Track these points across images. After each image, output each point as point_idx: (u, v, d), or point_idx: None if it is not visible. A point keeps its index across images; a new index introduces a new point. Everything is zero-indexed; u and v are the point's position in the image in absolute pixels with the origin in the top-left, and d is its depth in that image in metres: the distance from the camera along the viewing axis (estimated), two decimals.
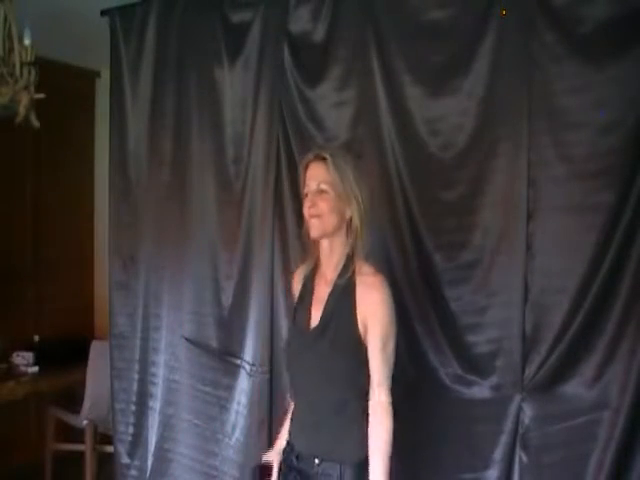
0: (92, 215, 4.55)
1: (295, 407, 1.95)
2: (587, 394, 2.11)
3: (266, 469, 1.89)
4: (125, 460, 3.31)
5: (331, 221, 1.80)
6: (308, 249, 1.96)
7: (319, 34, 2.62)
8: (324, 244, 1.86)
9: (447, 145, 2.34)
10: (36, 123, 2.49)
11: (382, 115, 2.45)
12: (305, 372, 1.85)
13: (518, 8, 2.19)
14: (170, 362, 3.11)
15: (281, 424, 2.06)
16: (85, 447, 3.62)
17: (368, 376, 1.77)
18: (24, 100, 2.38)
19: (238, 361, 2.86)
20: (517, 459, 2.23)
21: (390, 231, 2.42)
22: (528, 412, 2.20)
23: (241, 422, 2.84)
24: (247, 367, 2.81)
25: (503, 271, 2.24)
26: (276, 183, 2.72)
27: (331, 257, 1.85)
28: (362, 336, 1.76)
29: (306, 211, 1.85)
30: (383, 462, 1.73)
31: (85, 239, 4.53)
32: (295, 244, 2.67)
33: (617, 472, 2.05)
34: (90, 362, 3.60)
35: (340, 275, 1.80)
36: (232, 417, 2.88)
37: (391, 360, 1.77)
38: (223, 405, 2.91)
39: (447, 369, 2.32)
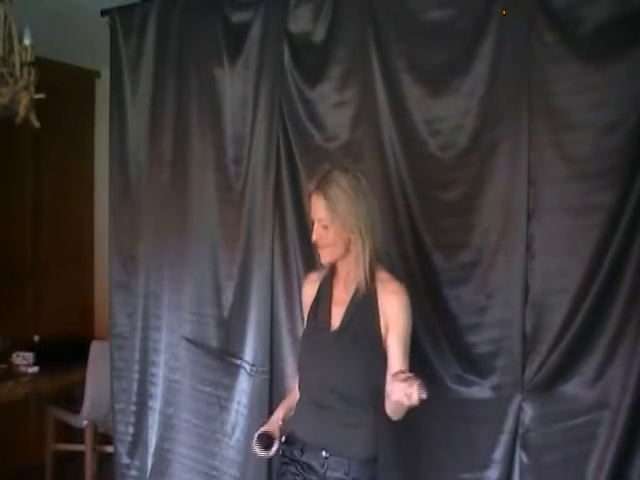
0: (92, 215, 4.55)
1: (304, 401, 1.93)
2: (587, 394, 2.12)
3: (268, 438, 1.86)
4: (125, 460, 3.31)
5: (337, 249, 1.84)
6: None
7: (319, 34, 2.62)
8: (339, 260, 1.89)
9: (447, 145, 2.34)
10: (36, 123, 2.49)
11: (382, 115, 2.45)
12: (322, 368, 1.85)
13: (518, 8, 2.20)
14: (170, 362, 3.11)
15: (280, 404, 2.04)
16: (85, 447, 3.62)
17: (384, 377, 1.80)
18: (24, 100, 2.37)
19: (238, 361, 2.86)
20: (517, 459, 2.23)
21: (390, 231, 2.42)
22: (528, 412, 2.21)
23: (241, 422, 2.84)
24: (247, 367, 2.81)
25: (503, 271, 2.25)
26: (276, 183, 2.72)
27: (347, 265, 1.88)
28: (383, 337, 1.81)
29: (313, 240, 1.87)
30: None
31: (85, 239, 4.53)
32: (295, 244, 2.67)
33: (617, 472, 2.05)
34: (90, 362, 3.60)
35: (360, 282, 1.83)
36: (232, 417, 2.88)
37: (408, 360, 1.83)
38: (223, 405, 2.91)
39: (447, 369, 2.32)
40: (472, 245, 2.30)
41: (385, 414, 1.83)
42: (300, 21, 2.67)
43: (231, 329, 2.90)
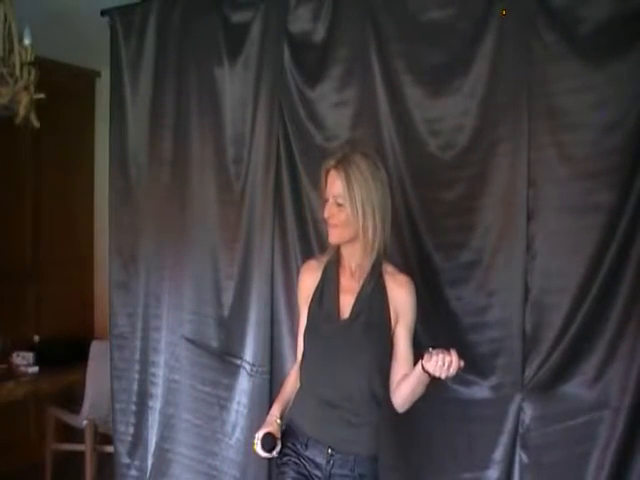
0: (92, 215, 4.55)
1: (308, 392, 1.90)
2: (587, 394, 2.12)
3: (271, 439, 1.84)
4: (125, 460, 3.30)
5: (347, 231, 1.82)
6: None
7: (319, 34, 2.62)
8: (345, 244, 1.88)
9: (447, 145, 2.34)
10: (36, 123, 2.49)
11: (382, 115, 2.45)
12: (331, 358, 1.84)
13: (518, 8, 2.20)
14: (170, 362, 3.11)
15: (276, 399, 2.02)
16: (85, 447, 3.62)
17: (389, 369, 1.83)
18: (24, 100, 2.38)
19: (238, 361, 2.86)
20: (517, 459, 2.23)
21: (390, 231, 2.42)
22: (528, 412, 2.21)
23: (241, 422, 2.84)
24: (247, 367, 2.81)
25: (503, 271, 2.25)
26: (276, 183, 2.72)
27: (354, 253, 1.87)
28: (393, 326, 1.84)
29: (325, 216, 1.86)
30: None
31: (85, 239, 4.53)
32: (295, 244, 2.67)
33: (617, 472, 2.05)
34: (90, 362, 3.59)
35: (369, 273, 1.84)
36: (232, 417, 2.88)
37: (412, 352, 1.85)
38: (223, 405, 2.91)
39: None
40: (472, 245, 2.30)
41: (387, 410, 1.83)
42: (300, 21, 2.67)
43: (231, 329, 2.90)
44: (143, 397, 3.23)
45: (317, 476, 1.84)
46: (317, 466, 1.83)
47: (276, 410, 1.94)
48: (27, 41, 2.40)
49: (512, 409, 2.23)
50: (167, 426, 3.12)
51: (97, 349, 3.58)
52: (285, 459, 1.88)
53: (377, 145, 2.44)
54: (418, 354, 2.23)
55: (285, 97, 2.69)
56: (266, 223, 2.74)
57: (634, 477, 2.04)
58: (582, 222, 2.11)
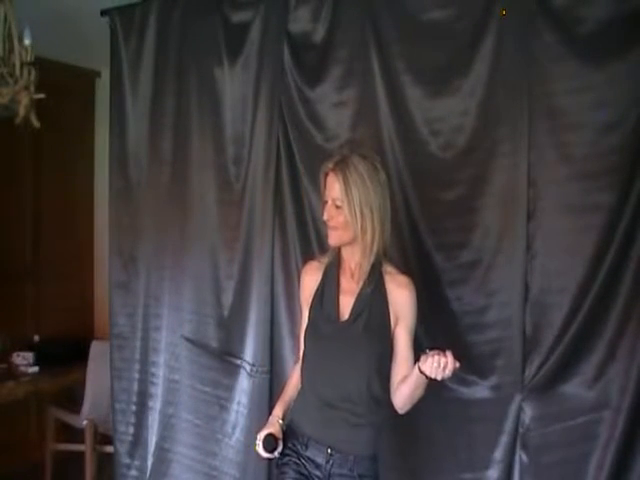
0: (92, 215, 4.54)
1: (308, 393, 1.91)
2: (587, 394, 2.12)
3: (273, 439, 1.84)
4: (125, 460, 3.30)
5: (346, 234, 1.83)
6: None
7: (319, 34, 2.62)
8: (345, 246, 1.89)
9: (447, 145, 2.34)
10: (36, 123, 2.49)
11: (382, 115, 2.45)
12: (332, 359, 1.84)
13: (518, 8, 2.20)
14: (170, 362, 3.11)
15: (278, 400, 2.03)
16: (85, 447, 3.62)
17: (389, 370, 1.83)
18: (24, 100, 2.37)
19: (238, 361, 2.86)
20: (517, 459, 2.23)
21: (390, 232, 2.42)
22: (528, 412, 2.21)
23: (241, 422, 2.84)
24: (247, 367, 2.81)
25: (503, 271, 2.25)
26: (276, 183, 2.72)
27: (354, 255, 1.88)
28: (392, 327, 1.83)
29: (324, 219, 1.87)
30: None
31: (85, 239, 4.53)
32: (295, 244, 2.67)
33: (617, 472, 2.05)
34: (90, 362, 3.59)
35: (369, 274, 1.84)
36: (232, 417, 2.88)
37: (413, 352, 1.85)
38: (223, 405, 2.91)
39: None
40: (472, 245, 2.30)
41: (387, 411, 1.83)
42: (300, 21, 2.67)
43: (231, 329, 2.90)
44: (143, 397, 3.23)
45: (317, 476, 1.84)
46: (317, 466, 1.83)
47: (278, 410, 1.95)
48: (27, 41, 2.40)
49: (512, 409, 2.23)
50: (167, 426, 3.12)
51: (97, 349, 3.58)
52: (285, 459, 1.88)
53: (377, 145, 2.44)
54: (418, 355, 2.24)
55: (285, 97, 2.69)
56: (266, 223, 2.74)
57: (634, 477, 2.04)
58: (582, 222, 2.11)
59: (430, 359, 1.62)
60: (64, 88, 4.00)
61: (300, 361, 1.97)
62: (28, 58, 2.39)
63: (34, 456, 3.85)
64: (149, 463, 3.21)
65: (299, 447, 1.86)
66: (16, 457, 3.79)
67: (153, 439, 3.19)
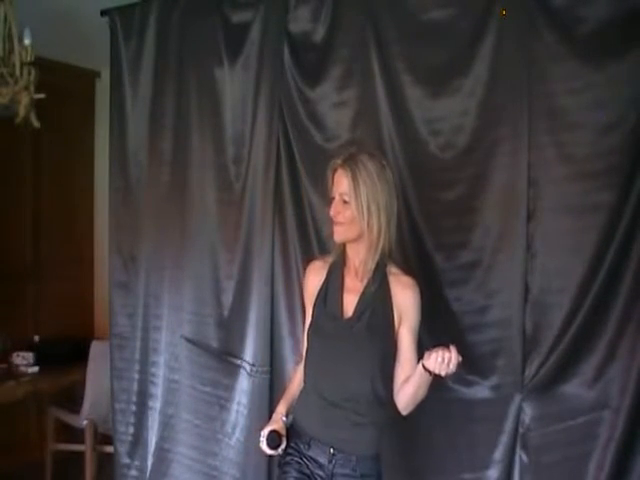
0: (92, 215, 4.55)
1: (311, 391, 1.91)
2: (587, 394, 2.12)
3: (276, 436, 1.84)
4: (125, 460, 3.30)
5: (352, 230, 1.83)
6: (333, 245, 1.97)
7: (319, 34, 2.62)
8: (350, 243, 1.89)
9: (447, 145, 2.34)
10: (36, 123, 2.49)
11: (382, 115, 2.45)
12: (335, 358, 1.84)
13: (518, 8, 2.19)
14: (170, 362, 3.11)
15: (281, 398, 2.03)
16: (85, 447, 3.62)
17: (392, 371, 1.83)
18: (24, 100, 2.38)
19: (238, 361, 2.85)
20: (517, 459, 2.23)
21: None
22: (528, 412, 2.21)
23: (241, 422, 2.84)
24: (247, 367, 2.81)
25: (503, 271, 2.25)
26: (276, 183, 2.72)
27: (359, 254, 1.88)
28: (396, 328, 1.83)
29: (331, 214, 1.87)
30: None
31: (85, 239, 4.53)
32: (295, 244, 2.67)
33: (617, 472, 2.05)
34: (90, 362, 3.59)
35: (374, 274, 1.84)
36: (232, 417, 2.88)
37: (417, 353, 1.84)
38: (223, 405, 2.91)
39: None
40: (472, 245, 2.30)
41: (390, 411, 1.83)
42: (300, 21, 2.67)
43: (231, 329, 2.90)
44: (143, 397, 3.23)
45: (320, 476, 1.84)
46: (320, 466, 1.84)
47: (282, 408, 1.95)
48: (27, 41, 2.40)
49: (512, 409, 2.23)
50: (167, 426, 3.12)
51: (97, 349, 3.58)
52: (288, 458, 1.88)
53: (377, 145, 2.44)
54: (420, 355, 2.24)
55: (285, 97, 2.69)
56: (266, 223, 2.73)
57: (634, 477, 2.04)
58: (582, 222, 2.11)
59: (434, 354, 1.63)
60: (64, 88, 4.00)
61: (303, 359, 1.97)
62: (28, 58, 2.39)
63: (34, 456, 3.85)
64: (149, 463, 3.21)
65: (301, 446, 1.86)
66: (16, 457, 3.79)
67: (153, 439, 3.19)
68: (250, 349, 2.81)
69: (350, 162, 1.81)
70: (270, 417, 2.01)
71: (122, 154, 3.27)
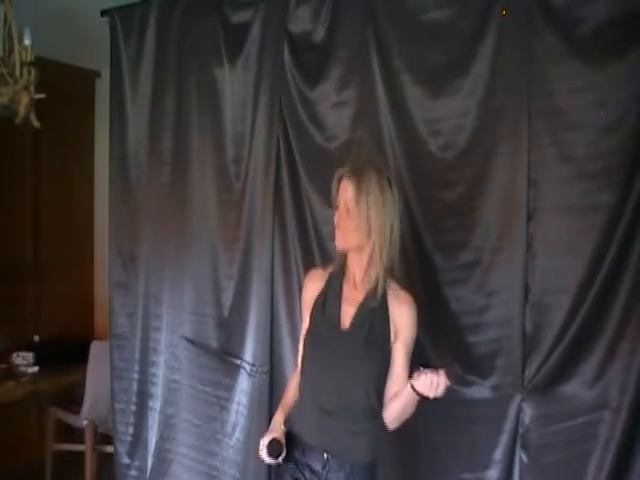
0: (92, 215, 4.55)
1: (306, 398, 1.91)
2: (587, 394, 2.11)
3: (277, 445, 1.83)
4: (125, 460, 3.31)
5: (354, 238, 1.82)
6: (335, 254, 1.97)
7: (319, 34, 2.62)
8: (352, 254, 1.89)
9: (447, 145, 2.34)
10: (36, 123, 2.49)
11: (382, 115, 2.45)
12: (330, 367, 1.84)
13: (518, 8, 2.19)
14: (170, 362, 3.11)
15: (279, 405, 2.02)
16: (85, 447, 3.62)
17: (384, 384, 1.83)
18: (24, 100, 2.37)
19: (238, 361, 2.86)
20: (517, 459, 2.23)
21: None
22: (528, 412, 2.20)
23: (241, 422, 2.84)
24: (247, 367, 2.81)
25: (503, 271, 2.25)
26: (276, 183, 2.72)
27: (359, 265, 1.87)
28: (392, 341, 1.83)
29: (334, 222, 1.87)
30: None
31: (85, 239, 4.53)
32: (295, 245, 2.67)
33: (617, 472, 2.05)
34: (90, 362, 3.59)
35: (372, 286, 1.84)
36: (232, 417, 2.88)
37: (409, 368, 1.84)
38: (223, 405, 2.91)
39: (447, 369, 2.31)
40: (472, 245, 2.30)
41: (384, 422, 1.84)
42: (300, 21, 2.67)
43: (231, 329, 2.90)
44: (143, 397, 3.23)
45: (297, 466, 1.85)
46: (314, 472, 1.84)
47: (280, 416, 1.94)
48: (27, 41, 2.40)
49: (512, 409, 2.22)
50: (167, 426, 3.13)
51: (97, 349, 3.58)
52: (283, 465, 1.88)
53: (377, 145, 2.45)
54: (418, 355, 2.24)
55: (285, 97, 2.69)
56: (266, 223, 2.73)
57: (634, 477, 2.04)
58: (582, 222, 2.11)
59: (423, 377, 1.64)
60: (64, 88, 3.99)
61: (299, 366, 1.97)
62: (28, 58, 2.39)
63: (34, 456, 3.85)
64: (149, 463, 3.21)
65: (296, 453, 1.87)
66: (16, 457, 3.79)
67: (153, 439, 3.20)
68: (250, 349, 2.81)
69: (357, 172, 1.81)
70: (270, 418, 2.01)
71: (122, 154, 3.27)
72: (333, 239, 1.89)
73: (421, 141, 2.38)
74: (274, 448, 1.82)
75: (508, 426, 2.23)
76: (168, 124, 3.09)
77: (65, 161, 4.34)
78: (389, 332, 1.83)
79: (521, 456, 2.22)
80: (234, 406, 2.87)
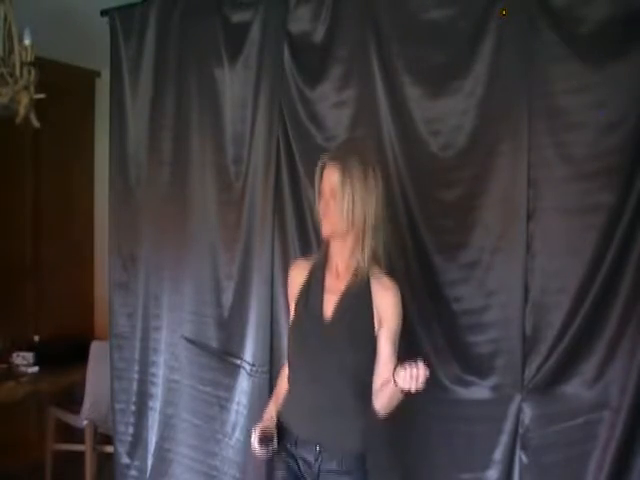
0: (92, 215, 4.55)
1: (295, 391, 1.93)
2: (587, 394, 2.11)
3: (267, 437, 1.83)
4: (125, 460, 3.31)
5: (339, 224, 1.83)
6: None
7: (319, 34, 2.62)
8: (336, 241, 1.89)
9: (447, 145, 2.34)
10: (36, 123, 2.49)
11: (382, 115, 2.45)
12: (316, 358, 1.85)
13: (518, 8, 2.20)
14: (170, 362, 3.11)
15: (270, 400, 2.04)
16: (85, 447, 3.62)
17: (372, 372, 1.83)
18: (24, 100, 2.37)
19: (238, 361, 2.86)
20: (517, 459, 2.23)
21: (390, 231, 2.42)
22: (528, 412, 2.20)
23: (241, 422, 2.84)
24: (247, 367, 2.81)
25: (503, 271, 2.25)
26: (276, 183, 2.72)
27: (342, 254, 1.88)
28: (376, 330, 1.83)
29: (319, 209, 1.88)
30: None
31: (85, 239, 4.53)
32: (295, 244, 2.67)
33: (617, 472, 2.05)
34: (90, 362, 3.60)
35: (354, 274, 1.85)
36: (232, 417, 2.88)
37: (396, 355, 1.85)
38: (223, 405, 2.91)
39: (447, 369, 2.32)
40: (472, 245, 2.30)
41: (373, 411, 1.84)
42: (300, 21, 2.67)
43: (231, 329, 2.90)
44: (143, 397, 3.23)
45: (307, 472, 1.85)
46: (307, 463, 1.85)
47: (272, 408, 1.97)
48: (27, 41, 2.40)
49: (512, 409, 2.22)
50: (167, 426, 3.13)
51: (97, 349, 3.59)
52: (276, 458, 1.92)
53: (377, 145, 2.44)
54: (417, 356, 2.25)
55: (285, 97, 2.69)
56: (266, 223, 2.73)
57: (634, 477, 2.04)
58: (582, 222, 2.11)
59: (402, 372, 1.64)
60: (64, 88, 3.99)
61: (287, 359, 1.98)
62: (28, 58, 2.39)
63: (34, 456, 3.84)
64: (149, 463, 3.21)
65: (289, 445, 1.88)
66: (16, 457, 3.79)
67: (153, 439, 3.20)
68: (250, 349, 2.81)
69: (341, 159, 1.82)
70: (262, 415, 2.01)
71: (122, 154, 3.27)
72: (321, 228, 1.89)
73: (421, 141, 2.38)
74: (265, 438, 1.83)
75: (508, 426, 2.23)
76: (168, 124, 3.09)
77: (65, 161, 4.34)
78: (372, 319, 1.83)
79: (521, 456, 2.22)
80: (234, 406, 2.87)
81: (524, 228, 2.19)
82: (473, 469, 2.30)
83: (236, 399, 2.87)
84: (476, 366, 2.28)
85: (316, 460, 1.83)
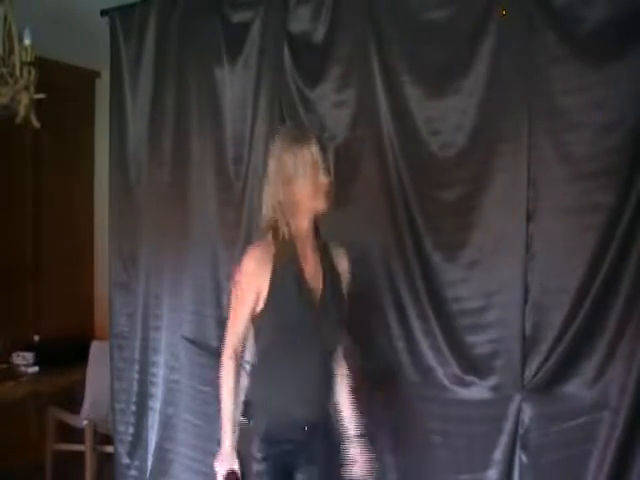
0: (92, 215, 4.55)
1: (288, 392, 1.90)
2: (587, 394, 2.11)
3: (234, 477, 1.84)
4: (125, 460, 3.31)
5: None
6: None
7: (319, 34, 2.62)
8: (307, 223, 1.91)
9: (447, 145, 2.34)
10: (36, 123, 2.49)
11: (382, 115, 2.45)
12: (316, 341, 1.87)
13: (518, 8, 2.19)
14: (170, 362, 3.11)
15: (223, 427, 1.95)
16: (85, 447, 3.61)
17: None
18: (24, 100, 2.38)
19: None
20: (517, 459, 2.23)
21: (390, 231, 2.42)
22: (528, 412, 2.20)
23: None
24: (247, 367, 2.81)
25: (503, 271, 2.24)
26: None
27: (309, 235, 1.91)
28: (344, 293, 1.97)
29: (328, 189, 1.93)
30: None
31: (85, 239, 4.53)
32: None
33: (617, 472, 2.05)
34: (90, 362, 3.59)
35: (323, 251, 1.93)
36: None
37: None
38: None
39: (446, 370, 2.32)
40: (472, 245, 2.30)
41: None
42: (300, 21, 2.67)
43: None
44: (143, 397, 3.23)
45: (292, 452, 1.87)
46: (314, 443, 1.88)
47: (229, 439, 1.90)
48: (27, 41, 2.40)
49: (512, 409, 2.22)
50: (167, 426, 3.12)
51: (97, 349, 3.58)
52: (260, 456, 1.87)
53: (377, 145, 2.45)
54: (417, 356, 2.25)
55: (285, 97, 2.69)
56: None
57: (634, 477, 2.03)
58: (582, 222, 2.11)
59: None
60: (64, 88, 3.99)
61: (257, 356, 2.02)
62: (28, 58, 2.39)
63: (34, 456, 3.84)
64: (149, 463, 3.21)
65: (294, 436, 1.86)
66: (16, 457, 3.79)
67: (153, 439, 3.19)
68: (250, 349, 2.80)
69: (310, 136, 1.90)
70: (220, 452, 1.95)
71: (122, 154, 3.27)
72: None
73: (421, 141, 2.38)
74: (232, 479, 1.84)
75: (508, 426, 2.23)
76: (168, 124, 3.09)
77: (65, 161, 4.35)
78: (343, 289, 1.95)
79: (521, 456, 2.22)
80: None
81: (524, 228, 2.19)
82: (473, 469, 2.30)
83: None
84: (476, 366, 2.28)
85: (325, 438, 1.89)
